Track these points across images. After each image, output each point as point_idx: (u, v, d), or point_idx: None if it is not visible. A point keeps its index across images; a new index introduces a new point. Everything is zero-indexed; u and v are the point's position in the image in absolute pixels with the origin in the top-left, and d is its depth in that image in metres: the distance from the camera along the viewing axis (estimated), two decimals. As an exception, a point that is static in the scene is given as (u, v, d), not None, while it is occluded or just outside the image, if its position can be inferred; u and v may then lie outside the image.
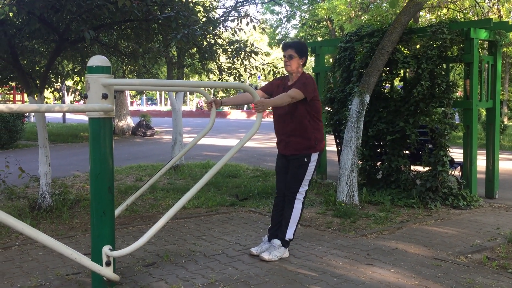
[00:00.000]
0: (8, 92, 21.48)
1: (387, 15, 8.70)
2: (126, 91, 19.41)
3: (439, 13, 16.94)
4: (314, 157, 4.25)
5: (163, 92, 49.85)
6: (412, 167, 7.11)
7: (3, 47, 5.58)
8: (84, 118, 30.02)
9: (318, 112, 4.26)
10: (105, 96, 3.33)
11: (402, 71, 6.94)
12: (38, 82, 6.08)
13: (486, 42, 7.19)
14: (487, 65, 7.04)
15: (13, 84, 6.80)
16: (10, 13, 4.88)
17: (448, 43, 6.41)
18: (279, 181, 4.41)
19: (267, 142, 16.40)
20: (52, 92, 6.91)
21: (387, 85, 7.44)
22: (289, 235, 4.20)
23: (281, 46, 4.48)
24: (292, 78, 4.30)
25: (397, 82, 7.90)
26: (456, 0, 16.46)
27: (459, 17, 8.66)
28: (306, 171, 4.22)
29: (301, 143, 4.20)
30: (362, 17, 19.78)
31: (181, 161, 9.70)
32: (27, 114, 19.25)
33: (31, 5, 4.61)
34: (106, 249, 3.40)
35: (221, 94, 48.67)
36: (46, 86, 6.36)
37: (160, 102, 56.13)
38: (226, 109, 38.12)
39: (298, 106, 4.15)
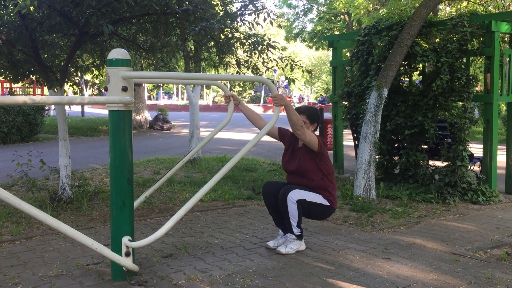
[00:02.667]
0: (28, 86, 21.80)
1: (405, 8, 8.63)
2: (144, 85, 19.55)
3: (459, 6, 16.68)
4: (320, 198, 4.16)
5: (180, 86, 50.17)
6: (430, 162, 7.05)
7: (24, 41, 5.67)
8: (102, 112, 30.36)
9: (330, 173, 4.23)
10: (125, 89, 3.36)
11: (421, 64, 6.86)
12: (58, 75, 6.17)
13: (507, 35, 7.07)
14: (508, 59, 6.92)
15: (34, 77, 6.90)
16: (31, 7, 4.95)
17: (468, 36, 6.32)
18: (273, 183, 4.39)
19: (284, 136, 16.38)
20: (72, 86, 6.99)
21: (405, 79, 7.37)
22: (295, 231, 4.15)
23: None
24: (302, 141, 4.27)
25: (415, 76, 7.81)
26: (477, -7, 16.16)
27: (479, 10, 8.53)
28: (310, 191, 4.14)
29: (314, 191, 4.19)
30: (380, 11, 19.57)
31: (198, 155, 9.75)
32: (46, 107, 19.52)
33: (51, -1, 4.67)
34: (125, 239, 3.45)
35: (237, 88, 48.71)
36: (66, 80, 6.45)
37: (177, 96, 56.43)
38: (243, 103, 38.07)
39: (308, 163, 4.16)
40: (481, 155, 6.80)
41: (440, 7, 17.34)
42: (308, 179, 4.18)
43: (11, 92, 21.83)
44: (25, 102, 2.92)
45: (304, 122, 4.20)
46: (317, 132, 4.45)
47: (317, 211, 4.21)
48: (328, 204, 4.20)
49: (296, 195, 4.07)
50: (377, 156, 6.77)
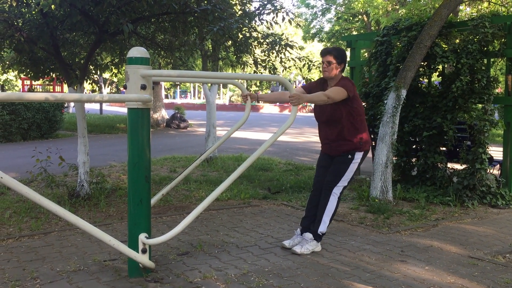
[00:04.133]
0: (48, 83, 22.14)
1: (425, 8, 8.54)
2: (161, 83, 19.65)
3: (479, 7, 16.44)
4: (358, 155, 4.24)
5: (196, 85, 50.35)
6: (449, 164, 6.96)
7: (45, 38, 5.75)
8: (120, 109, 30.65)
9: (360, 114, 4.26)
10: (143, 87, 3.39)
11: (440, 66, 6.78)
12: (78, 73, 6.24)
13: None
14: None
15: (54, 75, 6.99)
16: (52, 6, 5.02)
17: (489, 37, 6.23)
18: (317, 175, 4.42)
19: (300, 136, 16.36)
20: (91, 84, 7.07)
21: (424, 80, 7.29)
22: (322, 228, 4.18)
23: (320, 51, 4.48)
24: (331, 84, 4.29)
25: (434, 77, 7.72)
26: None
27: (501, 11, 8.40)
28: (348, 167, 4.21)
29: (346, 145, 4.22)
30: (400, 11, 19.41)
31: (214, 154, 9.78)
32: (66, 105, 19.78)
33: (73, -3, 4.73)
34: (142, 236, 3.48)
35: (253, 88, 48.73)
36: (86, 77, 6.52)
37: (194, 95, 56.69)
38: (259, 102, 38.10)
39: (339, 109, 4.16)
40: (501, 158, 6.70)
41: (461, 7, 17.12)
42: (339, 125, 4.19)
43: (31, 89, 22.19)
44: (48, 99, 2.97)
45: (330, 63, 4.21)
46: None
47: (356, 169, 4.31)
48: (361, 152, 4.24)
49: (340, 189, 4.21)
50: (394, 158, 6.71)
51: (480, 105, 6.45)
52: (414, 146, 7.21)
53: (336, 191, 4.20)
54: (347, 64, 5.78)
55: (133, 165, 3.49)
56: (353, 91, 4.16)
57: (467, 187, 6.17)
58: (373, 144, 7.54)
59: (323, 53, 4.32)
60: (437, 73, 7.10)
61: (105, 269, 3.70)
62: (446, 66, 6.96)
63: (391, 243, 4.49)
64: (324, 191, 4.23)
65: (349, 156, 4.21)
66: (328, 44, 29.33)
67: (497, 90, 6.74)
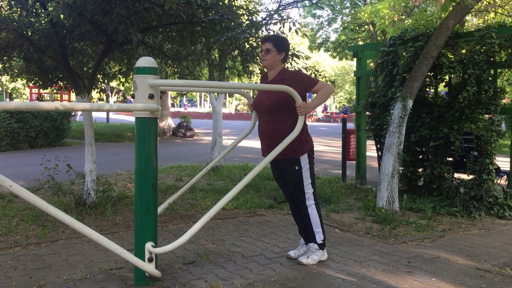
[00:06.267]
0: (56, 92, 22.33)
1: (431, 19, 8.54)
2: (168, 92, 19.75)
3: (486, 17, 16.44)
4: (304, 160, 4.03)
5: (203, 94, 50.57)
6: (456, 175, 6.94)
7: (54, 48, 5.82)
8: (126, 118, 30.79)
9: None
10: (151, 96, 3.42)
11: (447, 76, 6.78)
12: (86, 82, 6.29)
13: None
14: (537, 71, 6.78)
15: (62, 84, 7.05)
16: (61, 15, 5.08)
17: (496, 48, 6.23)
18: (282, 190, 4.33)
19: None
20: (99, 93, 7.12)
21: (430, 90, 7.29)
22: (318, 238, 4.14)
23: (260, 39, 4.33)
24: (270, 74, 4.13)
25: (441, 88, 7.72)
26: (505, 5, 15.91)
27: (507, 21, 8.40)
28: (302, 177, 4.03)
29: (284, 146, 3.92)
30: (406, 21, 19.44)
31: (220, 163, 9.79)
32: (73, 113, 19.90)
33: (82, 7, 4.79)
34: (148, 245, 3.49)
35: (260, 97, 48.78)
36: (93, 86, 6.57)
37: (200, 104, 56.92)
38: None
39: (281, 102, 3.97)
40: (508, 169, 6.67)
41: (467, 18, 17.13)
42: (277, 119, 3.96)
43: (39, 98, 22.37)
44: (57, 109, 3.00)
45: (269, 50, 4.01)
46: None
47: (312, 170, 4.11)
48: (304, 155, 4.01)
49: (311, 199, 4.07)
50: (400, 168, 6.69)
51: (487, 115, 6.44)
52: (420, 156, 7.19)
53: (309, 202, 4.07)
54: (354, 76, 5.77)
55: (141, 174, 3.51)
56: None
57: (474, 198, 6.14)
58: (379, 154, 7.54)
59: (263, 40, 4.11)
60: (444, 84, 7.10)
61: (112, 278, 3.70)
62: (452, 76, 6.96)
63: (398, 254, 4.47)
64: (300, 209, 4.11)
65: (296, 168, 4.01)
66: (334, 54, 29.44)
67: (504, 101, 6.73)
